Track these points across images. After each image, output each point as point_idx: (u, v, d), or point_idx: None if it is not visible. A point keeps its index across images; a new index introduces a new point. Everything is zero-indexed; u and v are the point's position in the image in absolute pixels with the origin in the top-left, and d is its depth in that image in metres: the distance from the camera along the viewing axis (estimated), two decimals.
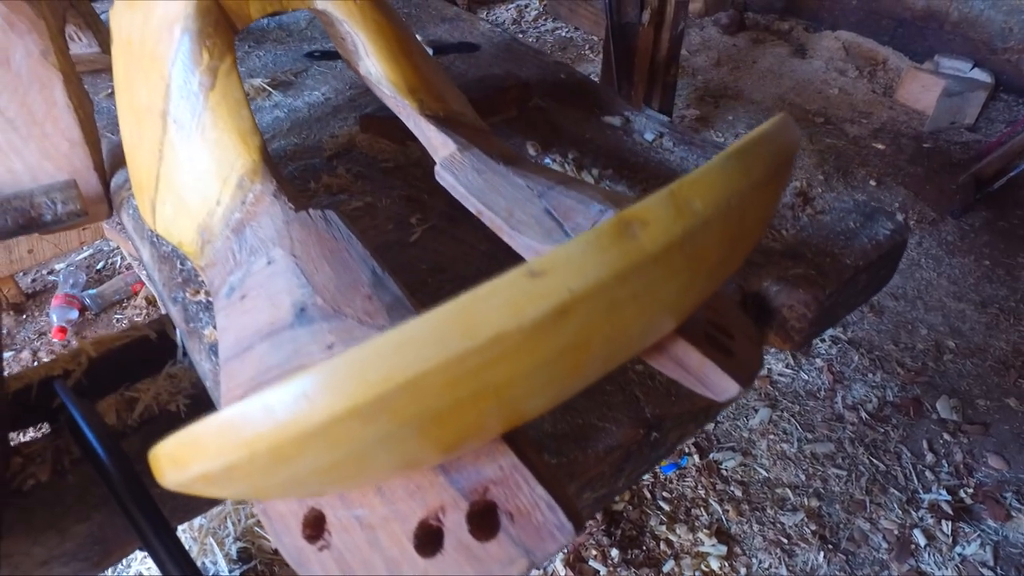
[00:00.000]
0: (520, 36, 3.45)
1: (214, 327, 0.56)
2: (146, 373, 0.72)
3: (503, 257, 0.62)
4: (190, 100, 0.53)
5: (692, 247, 0.26)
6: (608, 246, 0.23)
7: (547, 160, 0.79)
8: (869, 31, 3.38)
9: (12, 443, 0.58)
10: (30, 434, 0.65)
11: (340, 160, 0.77)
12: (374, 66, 0.60)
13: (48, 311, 1.99)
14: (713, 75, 3.26)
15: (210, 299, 0.58)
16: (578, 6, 3.50)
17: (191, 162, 0.54)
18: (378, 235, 0.65)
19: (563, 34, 3.49)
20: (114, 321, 2.01)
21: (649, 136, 0.86)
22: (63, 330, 1.92)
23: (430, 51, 1.02)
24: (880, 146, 2.79)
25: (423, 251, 0.64)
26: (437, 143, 0.58)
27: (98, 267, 2.24)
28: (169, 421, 0.59)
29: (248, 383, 0.39)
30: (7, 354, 1.90)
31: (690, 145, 0.84)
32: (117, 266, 2.24)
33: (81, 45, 0.87)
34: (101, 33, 0.87)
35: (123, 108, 0.62)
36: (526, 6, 3.67)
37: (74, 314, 1.96)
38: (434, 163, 0.58)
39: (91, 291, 2.01)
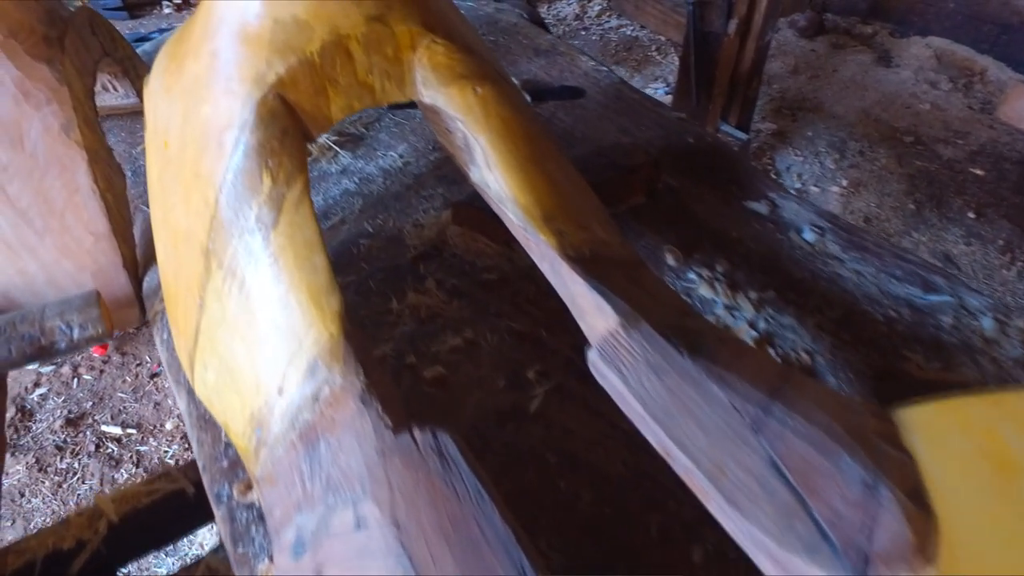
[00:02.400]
0: (583, 33, 3.24)
1: (270, 559, 0.40)
2: (179, 532, 0.57)
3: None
4: (244, 241, 0.37)
5: None
6: None
7: (691, 274, 0.61)
8: (966, 38, 3.09)
9: None
10: None
11: (428, 264, 0.60)
12: (497, 181, 0.44)
13: None
14: (790, 84, 3.02)
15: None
16: (645, 3, 3.27)
17: (243, 326, 0.38)
18: (486, 397, 0.49)
19: (628, 32, 3.26)
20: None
21: (809, 236, 0.68)
22: (104, 347, 1.82)
23: (527, 98, 0.85)
24: (979, 172, 2.53)
25: (547, 428, 0.47)
26: (588, 307, 0.41)
27: None
28: None
29: None
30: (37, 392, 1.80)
31: (862, 251, 0.65)
32: None
33: (118, 96, 0.72)
34: (142, 80, 0.72)
35: (157, 220, 0.46)
36: (589, 1, 3.45)
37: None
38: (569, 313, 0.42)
39: None
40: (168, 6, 2.41)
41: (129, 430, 1.66)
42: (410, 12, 0.38)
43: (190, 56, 0.39)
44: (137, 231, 0.63)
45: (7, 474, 1.52)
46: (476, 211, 0.62)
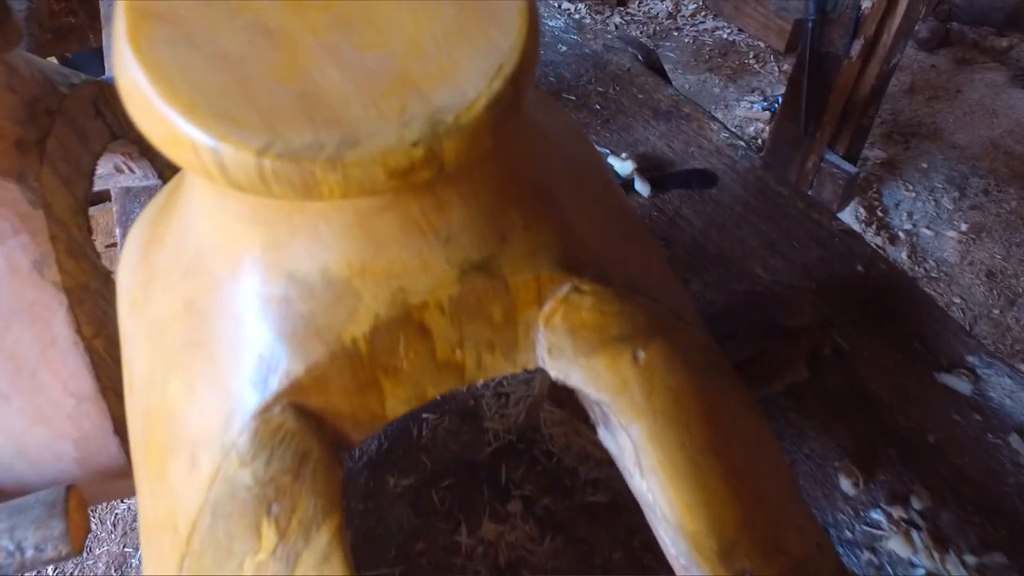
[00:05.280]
0: (675, 34, 2.99)
1: None
2: None
3: None
4: None
5: None
6: None
7: (876, 513, 0.43)
8: None
9: None
10: None
11: (513, 465, 0.44)
12: (653, 491, 0.27)
13: None
14: (904, 104, 2.72)
15: None
16: (745, 4, 3.00)
17: None
18: None
19: (724, 36, 3.00)
20: None
21: None
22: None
23: (645, 190, 0.67)
24: None
25: None
26: None
27: None
28: None
29: None
30: None
31: None
32: None
33: (135, 178, 0.57)
34: (160, 160, 0.57)
35: (138, 464, 0.31)
36: None
37: None
38: None
39: None
40: None
41: None
42: (541, 244, 0.22)
43: (159, 278, 0.23)
44: None
45: None
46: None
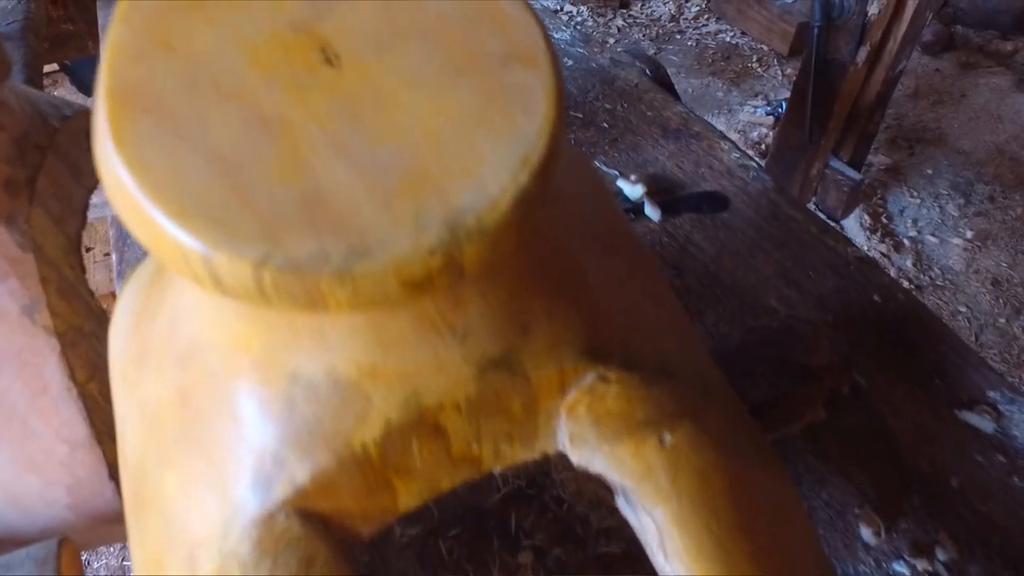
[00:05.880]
0: (678, 37, 2.97)
1: None
2: None
3: None
4: None
5: None
6: None
7: (899, 565, 0.42)
8: None
9: None
10: None
11: (523, 512, 0.43)
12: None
13: None
14: (908, 109, 2.70)
15: None
16: (749, 7, 2.98)
17: None
18: None
19: (727, 39, 2.97)
20: None
21: None
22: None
23: (655, 214, 0.65)
24: None
25: None
26: None
27: None
28: None
29: None
30: None
31: None
32: None
33: None
34: None
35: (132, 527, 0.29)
36: (686, 0, 3.17)
37: None
38: None
39: None
40: None
41: None
42: (565, 332, 0.20)
43: (152, 360, 0.22)
44: None
45: None
46: None
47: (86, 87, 1.91)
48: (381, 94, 0.15)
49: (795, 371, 0.48)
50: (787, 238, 0.64)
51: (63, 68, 1.95)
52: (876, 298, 0.59)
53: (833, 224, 2.10)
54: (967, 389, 0.54)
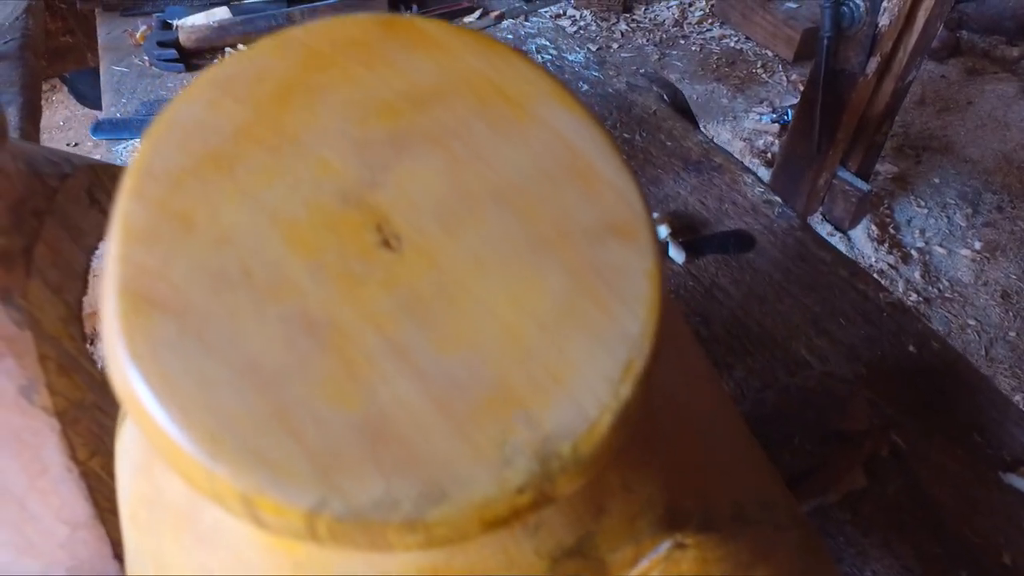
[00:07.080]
0: (682, 42, 2.95)
1: None
2: None
3: None
4: None
5: None
6: None
7: None
8: None
9: None
10: None
11: None
12: None
13: None
14: (915, 117, 2.68)
15: None
16: (753, 12, 2.95)
17: None
18: None
19: (731, 44, 2.95)
20: None
21: None
22: None
23: (680, 256, 0.63)
24: None
25: None
26: None
27: None
28: None
29: None
30: None
31: None
32: None
33: None
34: None
35: None
36: (690, 5, 3.14)
37: None
38: None
39: None
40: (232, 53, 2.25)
41: None
42: (642, 504, 0.17)
43: (168, 520, 0.19)
44: None
45: None
46: None
47: (84, 98, 1.87)
48: (451, 285, 0.13)
49: (834, 438, 0.45)
50: (815, 282, 0.62)
51: (62, 79, 1.92)
52: (911, 348, 0.57)
53: (846, 241, 2.06)
54: (1009, 446, 0.51)
